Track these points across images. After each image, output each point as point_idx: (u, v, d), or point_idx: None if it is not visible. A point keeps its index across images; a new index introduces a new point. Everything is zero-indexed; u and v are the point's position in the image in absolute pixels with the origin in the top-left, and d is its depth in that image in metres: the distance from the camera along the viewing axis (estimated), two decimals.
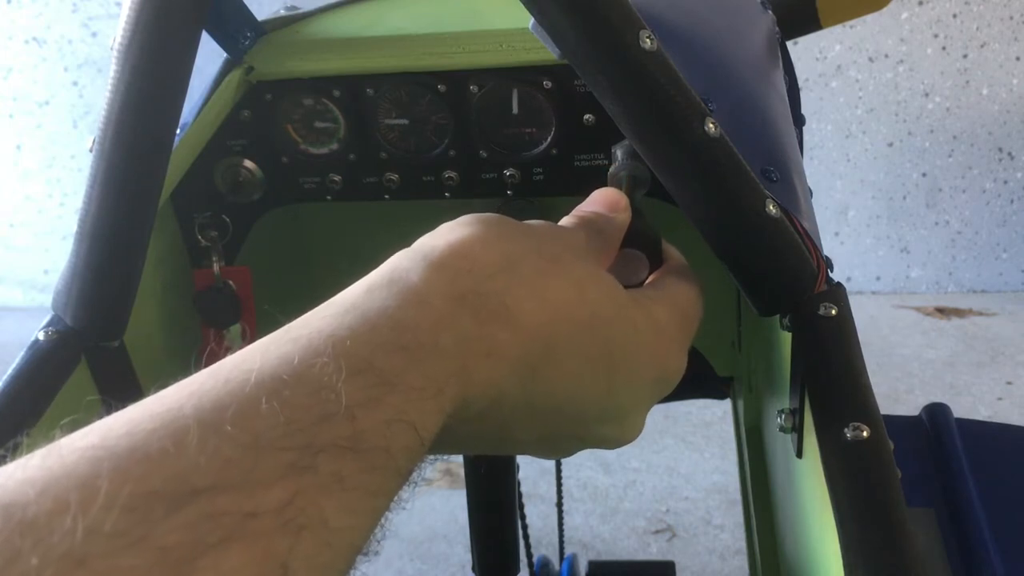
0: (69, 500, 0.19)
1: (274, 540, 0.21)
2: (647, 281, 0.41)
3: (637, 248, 0.40)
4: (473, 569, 0.89)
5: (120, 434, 0.21)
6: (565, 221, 0.38)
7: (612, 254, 0.38)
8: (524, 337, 0.29)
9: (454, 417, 0.27)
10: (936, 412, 0.66)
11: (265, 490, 0.21)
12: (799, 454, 0.45)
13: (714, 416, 1.93)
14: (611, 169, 0.49)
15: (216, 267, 0.64)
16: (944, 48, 2.36)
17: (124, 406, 0.24)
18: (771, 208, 0.39)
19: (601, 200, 0.40)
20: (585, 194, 0.63)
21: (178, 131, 0.57)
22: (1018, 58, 2.35)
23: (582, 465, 1.81)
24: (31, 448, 0.22)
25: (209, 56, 0.57)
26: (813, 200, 0.51)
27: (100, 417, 0.24)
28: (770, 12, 0.65)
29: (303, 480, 0.22)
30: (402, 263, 0.29)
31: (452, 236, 0.31)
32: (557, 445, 0.35)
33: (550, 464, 1.37)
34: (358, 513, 0.23)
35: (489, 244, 0.31)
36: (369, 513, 0.24)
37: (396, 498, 0.25)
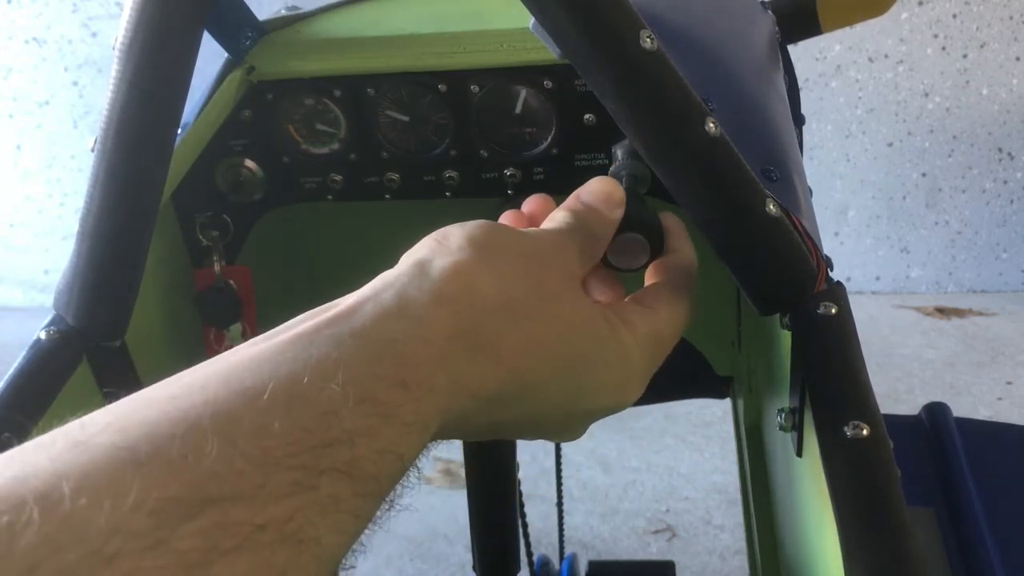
0: (102, 500, 0.20)
1: (276, 552, 0.22)
2: (645, 283, 0.41)
3: (638, 233, 0.40)
4: (473, 568, 0.89)
5: (139, 435, 0.22)
6: (560, 216, 0.38)
7: (602, 251, 0.39)
8: (504, 376, 0.31)
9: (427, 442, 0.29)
10: (936, 412, 0.66)
11: (273, 504, 0.22)
12: (799, 453, 0.45)
13: (714, 416, 1.93)
14: (611, 169, 0.49)
15: (217, 267, 0.64)
16: (944, 48, 2.36)
17: None
18: (771, 208, 0.39)
19: (598, 193, 0.39)
20: None
21: (179, 131, 0.57)
22: (1018, 58, 2.35)
23: (582, 465, 1.81)
24: None
25: (210, 56, 0.57)
26: (813, 200, 0.51)
27: None
28: (770, 12, 0.65)
29: (306, 498, 0.23)
30: (410, 290, 0.30)
31: (459, 258, 0.31)
32: (508, 438, 0.38)
33: (550, 464, 1.37)
34: (346, 534, 0.24)
35: (493, 278, 0.31)
36: (353, 534, 0.25)
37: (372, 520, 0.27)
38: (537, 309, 0.32)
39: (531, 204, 0.41)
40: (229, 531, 0.21)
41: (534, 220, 0.41)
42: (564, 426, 0.37)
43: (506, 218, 0.41)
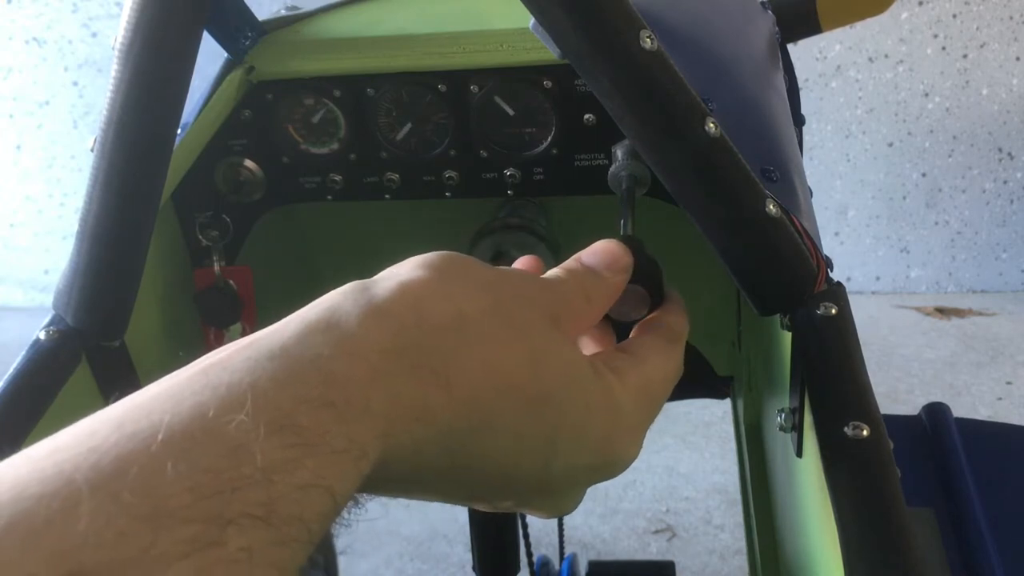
0: None
1: None
2: (632, 334, 0.39)
3: (638, 283, 0.38)
4: (473, 569, 0.89)
5: (2, 501, 0.19)
6: (553, 273, 0.35)
7: (596, 317, 0.35)
8: (458, 404, 0.27)
9: (371, 477, 0.25)
10: (936, 412, 0.66)
11: (163, 570, 0.19)
12: (799, 453, 0.45)
13: (714, 416, 1.93)
14: (611, 169, 0.49)
15: (217, 267, 0.64)
16: (944, 48, 2.36)
17: None
18: (771, 208, 0.39)
19: (603, 255, 0.36)
20: (585, 194, 0.63)
21: (179, 131, 0.57)
22: (1018, 58, 2.35)
23: None
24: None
25: (210, 56, 0.57)
26: (813, 200, 0.51)
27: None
28: (770, 12, 0.65)
29: (208, 557, 0.19)
30: (344, 305, 0.26)
31: (406, 278, 0.28)
32: (488, 503, 0.33)
33: None
34: None
35: (443, 298, 0.28)
36: None
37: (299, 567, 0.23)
38: (496, 332, 0.28)
39: (521, 264, 0.39)
40: None
41: None
42: (545, 487, 0.32)
43: None
